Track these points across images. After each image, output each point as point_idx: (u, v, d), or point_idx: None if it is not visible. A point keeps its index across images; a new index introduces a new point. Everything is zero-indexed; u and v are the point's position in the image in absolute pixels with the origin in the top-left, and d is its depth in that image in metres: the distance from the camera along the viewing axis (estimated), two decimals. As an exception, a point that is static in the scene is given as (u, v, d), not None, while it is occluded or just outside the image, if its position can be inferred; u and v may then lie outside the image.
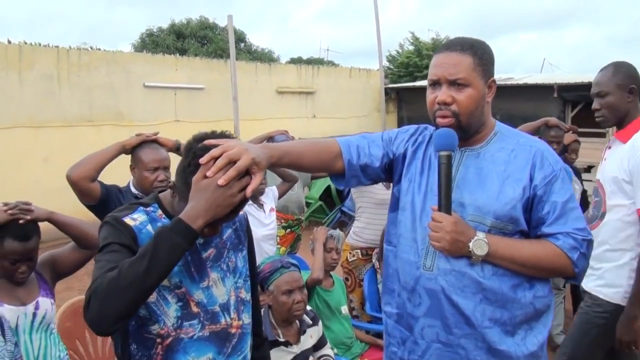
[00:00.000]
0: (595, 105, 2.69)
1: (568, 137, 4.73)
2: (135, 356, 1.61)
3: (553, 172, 1.72)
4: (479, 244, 1.65)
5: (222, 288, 1.69)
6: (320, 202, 9.49)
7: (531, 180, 1.71)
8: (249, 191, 1.44)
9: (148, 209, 1.63)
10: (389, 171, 1.94)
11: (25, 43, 8.94)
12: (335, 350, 3.16)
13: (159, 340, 1.59)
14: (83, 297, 3.61)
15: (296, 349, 2.73)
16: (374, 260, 4.04)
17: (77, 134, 8.86)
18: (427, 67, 19.39)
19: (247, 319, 1.78)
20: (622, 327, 2.52)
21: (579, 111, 11.66)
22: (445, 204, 1.68)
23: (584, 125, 7.62)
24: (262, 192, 3.86)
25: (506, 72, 16.79)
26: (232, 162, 1.41)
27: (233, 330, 1.72)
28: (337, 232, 3.64)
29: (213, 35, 23.73)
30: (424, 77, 18.52)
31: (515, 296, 1.71)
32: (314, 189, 9.48)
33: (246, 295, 1.79)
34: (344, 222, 8.60)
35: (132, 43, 24.30)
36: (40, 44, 9.18)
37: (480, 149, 1.79)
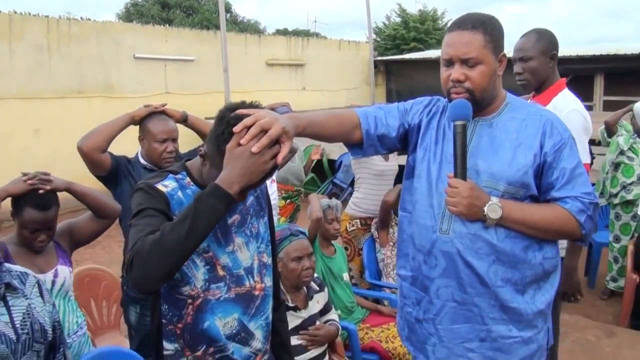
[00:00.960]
0: (517, 69, 2.80)
1: None
2: (167, 316, 1.69)
3: (562, 139, 1.80)
4: (493, 207, 1.74)
5: (247, 252, 1.77)
6: (312, 174, 9.56)
7: (541, 147, 1.79)
8: (279, 158, 1.50)
9: (177, 176, 1.69)
10: (405, 140, 2.01)
11: (15, 12, 8.78)
12: (339, 313, 3.27)
13: (189, 301, 1.67)
14: (88, 267, 3.68)
15: (304, 314, 2.83)
16: (372, 230, 4.13)
17: (68, 106, 8.85)
18: (414, 39, 19.53)
19: (268, 281, 1.86)
20: (563, 279, 2.59)
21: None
22: (461, 171, 1.76)
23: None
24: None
25: None
26: (264, 131, 1.46)
27: (256, 293, 1.80)
28: (334, 201, 3.70)
29: (199, 6, 23.49)
30: (411, 50, 18.54)
31: (526, 257, 1.81)
32: (306, 160, 9.55)
33: (268, 259, 1.87)
34: (336, 193, 8.68)
35: (117, 13, 24.05)
36: (30, 14, 9.02)
37: (492, 119, 1.87)
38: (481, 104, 1.83)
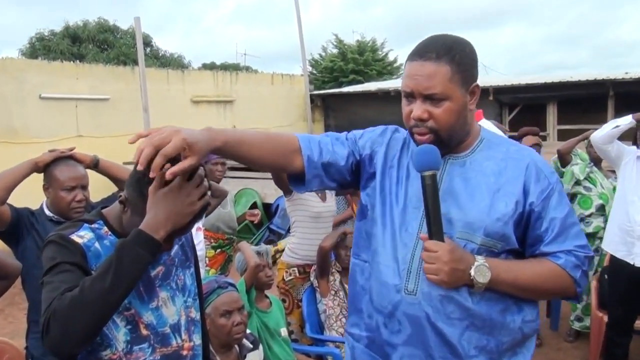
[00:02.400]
0: None
1: (528, 139, 5.07)
2: None
3: (550, 185, 1.70)
4: (481, 270, 1.61)
5: (172, 308, 1.76)
6: (245, 221, 9.54)
7: (526, 194, 1.68)
8: (168, 174, 1.41)
9: (93, 225, 1.68)
10: (356, 174, 1.88)
11: None
12: (277, 376, 3.25)
13: None
14: None
15: (236, 376, 2.80)
16: (312, 279, 4.14)
17: (-36, 153, 8.57)
18: (352, 71, 20.07)
19: (197, 339, 1.85)
20: None
21: (516, 114, 12.31)
22: (437, 230, 1.62)
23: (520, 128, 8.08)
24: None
25: None
26: (160, 149, 1.38)
27: (185, 352, 1.78)
28: (263, 247, 3.70)
29: (114, 39, 23.41)
30: (351, 82, 19.00)
31: (504, 321, 1.69)
32: (238, 206, 9.52)
33: (196, 314, 1.86)
34: (273, 240, 8.69)
35: (20, 49, 23.64)
36: None
37: (465, 157, 1.75)
38: (450, 144, 1.71)
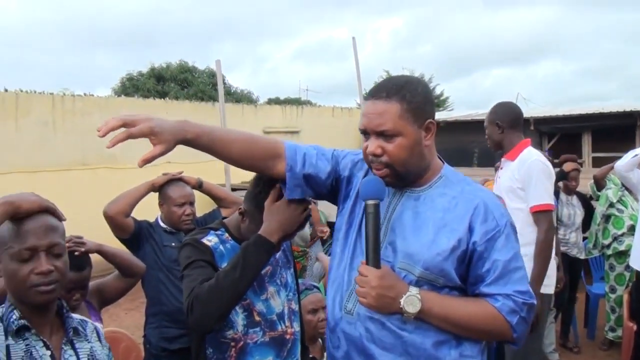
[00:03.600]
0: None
1: (568, 166, 5.13)
2: (211, 359, 1.87)
3: (497, 227, 1.58)
4: (411, 300, 1.53)
5: (278, 300, 1.97)
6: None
7: (470, 233, 1.57)
8: (140, 161, 1.48)
9: (217, 232, 1.92)
10: (334, 191, 1.82)
11: (22, 91, 9.16)
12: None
13: (232, 344, 1.87)
14: (109, 329, 3.76)
15: (320, 365, 2.97)
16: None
17: (73, 177, 9.07)
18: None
19: (297, 327, 2.05)
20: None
21: (555, 142, 12.19)
22: (374, 257, 1.56)
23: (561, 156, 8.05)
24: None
25: (481, 107, 17.35)
26: (127, 127, 1.45)
27: (288, 337, 1.98)
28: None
29: (193, 78, 24.03)
30: None
31: (437, 354, 1.57)
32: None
33: (295, 306, 2.07)
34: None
35: (112, 87, 24.51)
36: (35, 91, 9.40)
37: (421, 191, 1.67)
38: (407, 178, 1.64)
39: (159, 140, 1.48)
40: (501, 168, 3.43)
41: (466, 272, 1.59)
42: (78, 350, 1.50)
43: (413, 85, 1.63)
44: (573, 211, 5.11)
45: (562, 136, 12.17)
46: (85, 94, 10.12)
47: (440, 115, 14.33)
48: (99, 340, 1.62)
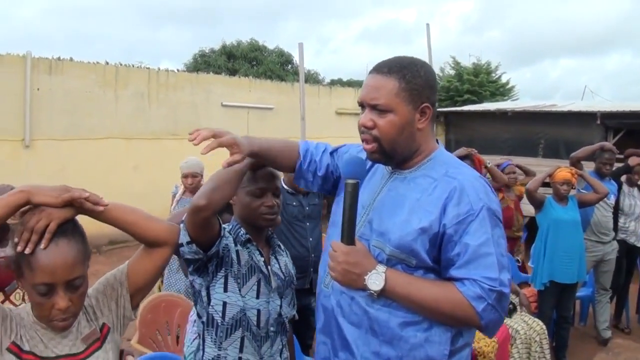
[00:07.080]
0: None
1: (634, 160, 5.54)
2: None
3: (470, 210, 1.55)
4: (375, 278, 1.56)
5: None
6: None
7: (442, 215, 1.56)
8: (224, 163, 1.64)
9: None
10: (333, 184, 1.98)
11: (121, 64, 10.10)
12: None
13: None
14: (165, 293, 3.94)
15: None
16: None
17: (163, 146, 9.99)
18: (467, 91, 19.96)
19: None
20: None
21: (620, 138, 12.29)
22: (347, 234, 1.60)
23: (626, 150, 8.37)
24: None
25: (547, 97, 17.16)
26: (216, 139, 1.63)
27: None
28: None
29: (262, 57, 24.36)
30: (465, 102, 18.75)
31: (401, 334, 1.58)
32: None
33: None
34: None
35: (185, 63, 25.08)
36: (133, 65, 10.33)
37: (408, 174, 1.69)
38: (393, 157, 1.67)
39: (239, 150, 1.67)
40: None
41: (439, 254, 1.58)
42: (279, 260, 2.20)
43: (416, 67, 1.65)
44: (634, 202, 5.55)
45: (627, 132, 12.23)
46: (178, 70, 10.99)
47: (506, 105, 14.43)
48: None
